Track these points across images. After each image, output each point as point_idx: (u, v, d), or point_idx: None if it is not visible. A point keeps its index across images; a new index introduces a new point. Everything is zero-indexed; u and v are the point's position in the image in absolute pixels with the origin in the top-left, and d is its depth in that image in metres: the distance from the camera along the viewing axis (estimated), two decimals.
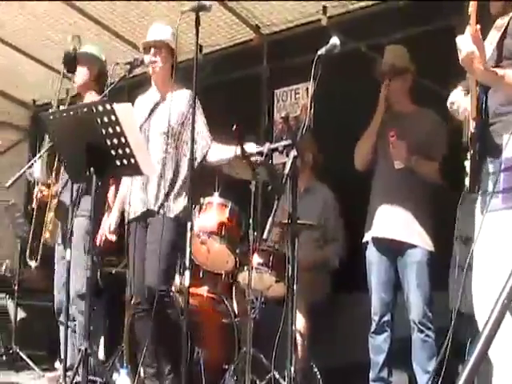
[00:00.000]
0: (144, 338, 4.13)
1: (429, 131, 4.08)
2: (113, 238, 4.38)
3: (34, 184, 4.88)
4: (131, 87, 4.97)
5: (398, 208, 4.05)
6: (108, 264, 5.30)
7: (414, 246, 4.03)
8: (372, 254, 4.18)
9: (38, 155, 4.87)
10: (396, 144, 3.96)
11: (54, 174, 4.78)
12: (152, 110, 4.29)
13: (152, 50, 4.24)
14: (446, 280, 3.79)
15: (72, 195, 4.22)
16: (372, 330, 4.11)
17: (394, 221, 4.08)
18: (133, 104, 4.19)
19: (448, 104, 2.94)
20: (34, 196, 4.84)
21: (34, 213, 4.96)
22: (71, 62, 4.73)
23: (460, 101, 2.81)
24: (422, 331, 3.93)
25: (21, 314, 6.21)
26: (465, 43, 2.42)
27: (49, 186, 4.79)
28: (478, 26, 2.38)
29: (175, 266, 4.39)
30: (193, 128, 3.40)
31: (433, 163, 4.05)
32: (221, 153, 4.13)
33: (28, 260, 5.23)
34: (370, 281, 4.17)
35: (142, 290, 4.13)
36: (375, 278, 4.15)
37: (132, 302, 4.34)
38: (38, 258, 5.04)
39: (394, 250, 4.10)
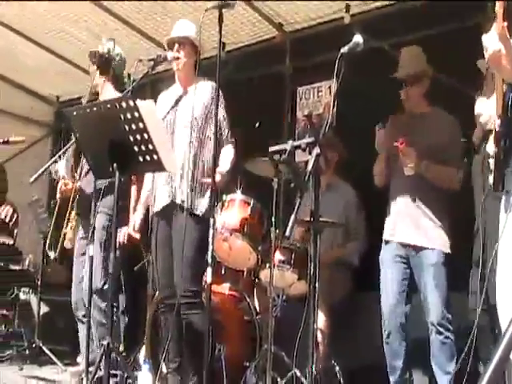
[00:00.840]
0: (167, 333, 4.15)
1: (447, 131, 4.05)
2: (137, 235, 4.40)
3: (57, 181, 4.89)
4: (154, 84, 4.98)
5: (413, 210, 4.01)
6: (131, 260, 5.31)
7: (429, 248, 3.98)
8: (385, 256, 4.14)
9: (61, 151, 4.91)
10: (405, 151, 3.93)
11: (78, 171, 4.81)
12: (176, 103, 4.30)
13: (176, 46, 4.27)
14: (462, 280, 3.77)
15: (95, 190, 4.25)
16: (385, 335, 4.07)
17: (408, 224, 4.04)
18: (156, 100, 4.21)
19: (476, 116, 2.95)
20: (58, 188, 4.86)
21: (57, 205, 4.97)
22: (105, 63, 4.75)
23: (486, 112, 2.81)
24: (440, 333, 3.87)
25: (44, 309, 6.25)
26: (491, 41, 2.39)
27: (73, 182, 4.81)
28: (505, 24, 2.35)
29: (203, 266, 4.39)
30: (216, 125, 3.40)
31: (447, 168, 3.99)
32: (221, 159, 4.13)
33: (47, 251, 5.25)
34: (382, 282, 4.13)
35: (168, 287, 4.16)
36: (386, 280, 4.10)
37: (155, 298, 4.36)
38: (58, 249, 5.06)
39: (408, 252, 4.06)
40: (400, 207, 4.08)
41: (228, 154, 4.18)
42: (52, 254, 5.17)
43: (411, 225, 4.03)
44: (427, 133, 4.03)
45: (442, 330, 3.87)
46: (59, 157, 4.79)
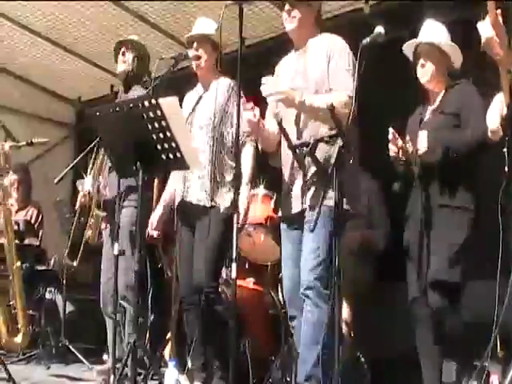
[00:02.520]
0: (192, 331, 4.17)
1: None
2: (154, 233, 4.40)
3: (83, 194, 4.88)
4: (177, 81, 4.97)
5: None
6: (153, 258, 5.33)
7: None
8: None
9: (83, 153, 4.92)
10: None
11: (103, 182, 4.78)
12: (196, 103, 4.31)
13: (195, 44, 4.27)
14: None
15: (119, 189, 4.26)
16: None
17: None
18: (180, 98, 4.22)
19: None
20: (78, 200, 4.87)
21: (77, 215, 4.96)
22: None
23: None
24: None
25: (69, 308, 6.30)
26: (485, 29, 2.42)
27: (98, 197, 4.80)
28: (498, 11, 2.37)
29: (223, 262, 4.39)
30: (238, 124, 3.39)
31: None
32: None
33: (68, 261, 5.25)
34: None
35: (187, 285, 4.17)
36: None
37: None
38: (78, 257, 5.07)
39: None
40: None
41: (248, 157, 4.14)
42: (74, 263, 5.17)
43: None
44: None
45: None
46: (89, 172, 4.77)
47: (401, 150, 3.79)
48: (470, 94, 3.80)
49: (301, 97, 3.33)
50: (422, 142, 3.72)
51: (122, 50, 4.78)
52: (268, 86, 3.32)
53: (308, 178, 3.44)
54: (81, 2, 6.11)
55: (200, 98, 4.32)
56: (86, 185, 4.77)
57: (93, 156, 4.71)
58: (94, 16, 6.38)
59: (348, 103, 3.26)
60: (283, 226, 3.69)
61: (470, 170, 3.76)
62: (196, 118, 4.24)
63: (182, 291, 4.30)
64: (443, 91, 3.91)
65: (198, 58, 4.25)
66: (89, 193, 4.74)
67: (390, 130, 3.80)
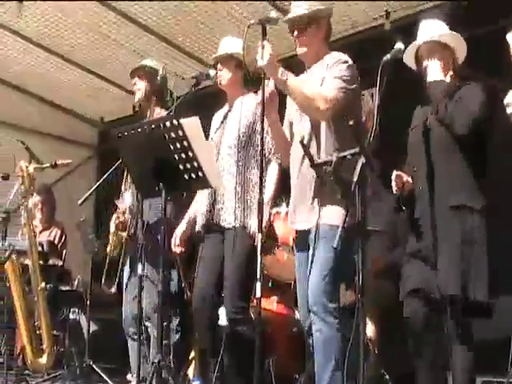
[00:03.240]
0: (217, 350, 4.15)
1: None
2: (177, 250, 4.40)
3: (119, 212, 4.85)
4: (198, 101, 5.00)
5: None
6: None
7: None
8: None
9: (106, 174, 4.92)
10: None
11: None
12: (222, 121, 4.32)
13: (219, 64, 4.30)
14: None
15: (142, 209, 4.26)
16: None
17: None
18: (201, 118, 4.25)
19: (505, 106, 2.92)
20: (112, 222, 4.84)
21: (111, 237, 4.88)
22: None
23: None
24: None
25: (93, 328, 6.31)
26: None
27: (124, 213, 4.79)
28: None
29: (252, 283, 4.39)
30: (262, 147, 3.40)
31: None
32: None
33: (105, 288, 5.21)
34: None
35: (202, 299, 4.15)
36: None
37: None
38: (115, 284, 5.03)
39: None
40: None
41: (272, 175, 4.14)
42: (113, 289, 5.14)
43: None
44: None
45: None
46: (125, 187, 4.78)
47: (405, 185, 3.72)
48: (472, 90, 3.60)
49: (282, 75, 3.34)
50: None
51: (134, 79, 4.81)
52: (264, 51, 3.31)
53: (324, 194, 3.43)
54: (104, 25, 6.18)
55: (225, 116, 4.34)
56: (126, 200, 4.75)
57: (125, 173, 4.69)
58: (114, 35, 6.49)
59: (323, 100, 3.35)
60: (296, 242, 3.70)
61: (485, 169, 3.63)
62: (224, 137, 4.25)
63: (194, 303, 4.24)
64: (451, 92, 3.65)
65: (220, 76, 4.27)
66: (130, 209, 4.72)
67: (394, 173, 3.74)
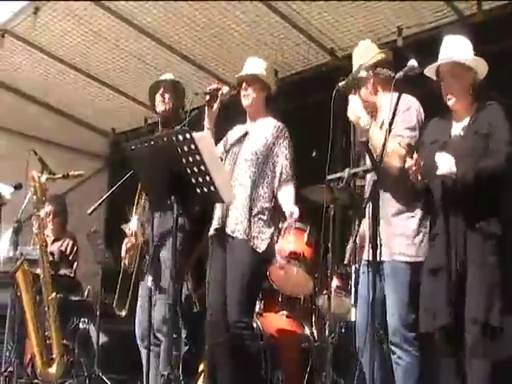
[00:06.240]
0: (223, 364, 4.15)
1: None
2: None
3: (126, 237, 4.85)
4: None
5: None
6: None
7: None
8: None
9: (117, 185, 4.93)
10: None
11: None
12: (243, 136, 4.44)
13: (244, 83, 4.40)
14: None
15: (152, 224, 4.27)
16: None
17: None
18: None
19: None
20: (123, 247, 4.78)
21: (123, 261, 4.79)
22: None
23: None
24: None
25: (102, 338, 6.31)
26: None
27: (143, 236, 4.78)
28: None
29: (256, 298, 4.39)
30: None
31: None
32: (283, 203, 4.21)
33: (117, 311, 5.18)
34: None
35: (216, 324, 4.18)
36: None
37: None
38: (127, 307, 5.02)
39: None
40: None
41: (289, 196, 4.24)
42: (123, 313, 5.13)
43: None
44: None
45: None
46: (134, 212, 4.79)
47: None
48: (499, 116, 3.58)
49: (366, 124, 3.57)
50: (447, 163, 3.46)
51: (161, 91, 4.80)
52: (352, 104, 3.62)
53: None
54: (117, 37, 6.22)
55: (247, 132, 4.45)
56: (132, 225, 4.77)
57: (136, 197, 4.72)
58: (129, 49, 6.54)
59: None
60: (364, 269, 3.64)
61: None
62: (243, 149, 4.37)
63: (208, 327, 4.27)
64: (473, 111, 3.68)
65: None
66: (135, 233, 4.73)
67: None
